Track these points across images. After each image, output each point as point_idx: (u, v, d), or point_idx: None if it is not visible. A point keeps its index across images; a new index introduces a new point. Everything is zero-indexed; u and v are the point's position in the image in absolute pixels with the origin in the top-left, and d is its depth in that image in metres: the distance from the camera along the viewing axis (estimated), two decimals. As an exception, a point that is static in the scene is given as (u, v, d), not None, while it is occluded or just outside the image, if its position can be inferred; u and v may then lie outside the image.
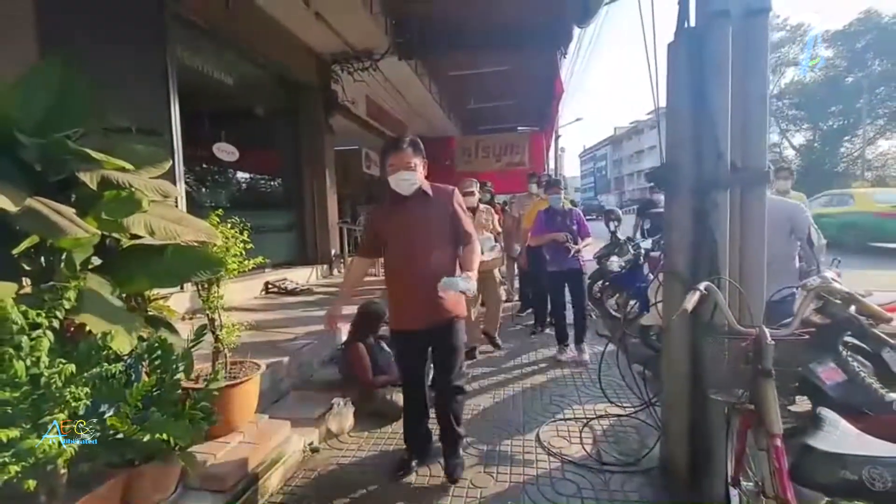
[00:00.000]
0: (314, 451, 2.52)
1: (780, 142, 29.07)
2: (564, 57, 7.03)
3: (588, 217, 4.55)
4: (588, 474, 2.23)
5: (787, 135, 28.31)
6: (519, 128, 12.71)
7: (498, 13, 5.97)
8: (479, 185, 4.48)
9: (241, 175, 6.30)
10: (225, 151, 5.56)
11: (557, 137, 11.44)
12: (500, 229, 4.36)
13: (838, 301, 1.73)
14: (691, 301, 1.42)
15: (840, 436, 1.01)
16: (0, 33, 2.75)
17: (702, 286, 1.47)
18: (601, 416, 2.79)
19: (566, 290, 4.11)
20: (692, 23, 1.93)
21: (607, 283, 5.47)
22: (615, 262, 4.99)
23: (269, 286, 5.61)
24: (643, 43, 2.20)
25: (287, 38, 6.05)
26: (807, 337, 1.49)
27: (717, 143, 1.77)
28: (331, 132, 7.27)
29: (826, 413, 1.10)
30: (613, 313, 5.23)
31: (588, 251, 4.23)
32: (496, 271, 4.25)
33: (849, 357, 2.12)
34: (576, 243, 3.92)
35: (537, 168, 11.61)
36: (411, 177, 2.11)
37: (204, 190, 5.69)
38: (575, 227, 4.01)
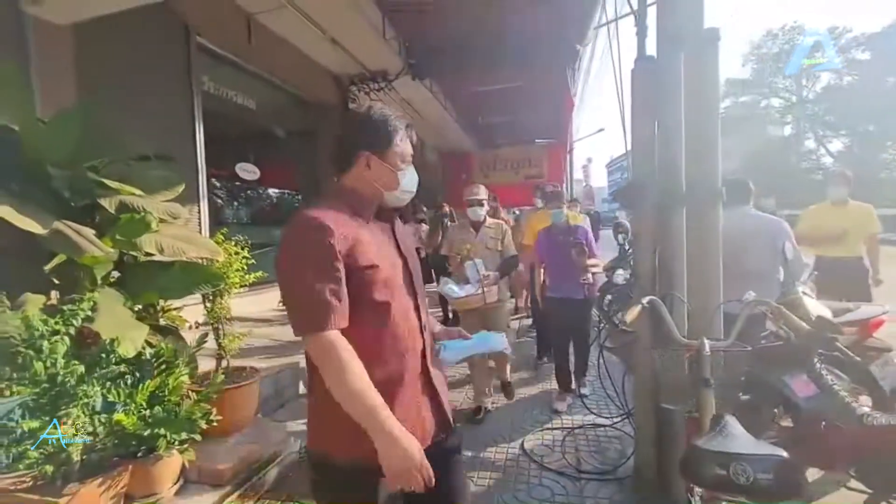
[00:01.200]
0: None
1: (817, 149, 28.02)
2: (574, 73, 7.14)
3: (607, 227, 4.17)
4: (564, 481, 2.31)
5: (824, 141, 27.26)
6: (536, 140, 12.81)
7: (505, 34, 6.16)
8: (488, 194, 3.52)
9: (262, 192, 6.66)
10: (247, 171, 5.93)
11: (570, 150, 11.45)
12: (513, 250, 3.37)
13: (769, 314, 1.77)
14: (631, 314, 1.52)
15: (725, 436, 1.10)
16: (46, 78, 3.09)
17: (645, 300, 1.57)
18: (587, 427, 2.86)
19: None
20: (654, 51, 2.05)
21: (616, 296, 5.49)
22: (620, 275, 5.01)
23: (287, 298, 5.89)
24: (613, 71, 2.32)
25: (305, 62, 6.41)
26: (749, 349, 1.56)
27: (673, 163, 1.87)
28: (348, 150, 7.58)
29: (727, 417, 1.18)
30: (621, 326, 5.24)
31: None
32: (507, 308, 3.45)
33: (823, 370, 2.14)
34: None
35: (556, 179, 11.67)
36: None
37: (227, 207, 6.05)
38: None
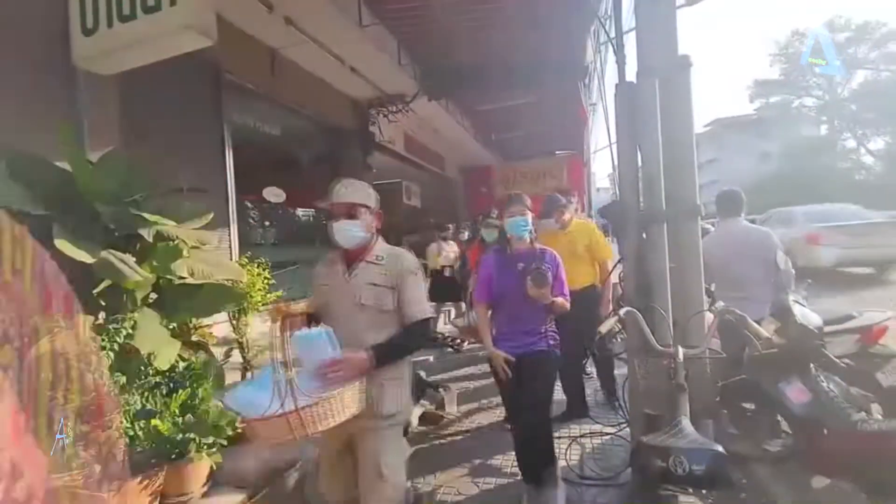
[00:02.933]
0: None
1: (857, 148, 26.83)
2: (586, 87, 7.26)
3: None
4: (566, 486, 2.40)
5: (864, 140, 26.08)
6: (557, 152, 12.90)
7: (514, 54, 6.39)
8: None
9: (288, 214, 7.02)
10: (273, 194, 6.29)
11: (588, 161, 11.48)
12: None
13: (732, 319, 1.83)
14: (606, 325, 1.64)
15: (674, 434, 1.19)
16: (95, 120, 3.46)
17: (621, 311, 1.69)
18: (591, 435, 2.94)
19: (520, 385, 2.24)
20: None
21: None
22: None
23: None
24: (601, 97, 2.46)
25: (326, 90, 6.79)
26: (724, 356, 1.64)
27: (652, 181, 1.99)
28: (369, 170, 7.92)
29: (682, 419, 1.27)
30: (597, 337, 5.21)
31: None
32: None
33: (820, 377, 2.17)
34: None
35: (577, 189, 11.67)
36: None
37: (257, 229, 6.40)
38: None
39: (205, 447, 2.11)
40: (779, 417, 2.45)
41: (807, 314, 2.17)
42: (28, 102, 2.86)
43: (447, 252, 7.10)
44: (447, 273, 6.90)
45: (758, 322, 2.52)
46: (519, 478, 2.38)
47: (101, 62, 3.11)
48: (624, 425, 2.89)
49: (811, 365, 2.19)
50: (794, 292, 2.35)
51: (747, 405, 2.59)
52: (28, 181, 2.33)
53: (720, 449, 1.11)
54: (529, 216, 2.33)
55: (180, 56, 3.57)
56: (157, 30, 2.88)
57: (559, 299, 2.16)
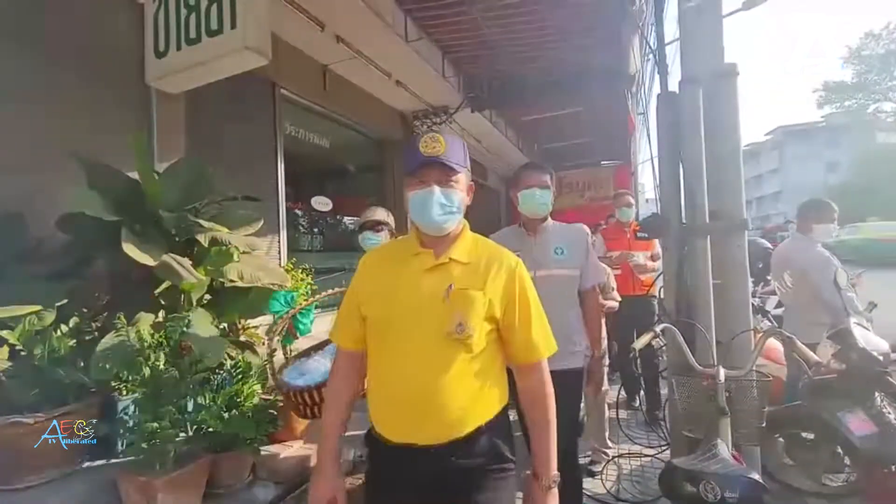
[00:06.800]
0: (364, 461, 2.94)
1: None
2: (633, 96, 7.08)
3: None
4: (601, 507, 2.33)
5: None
6: (603, 162, 12.61)
7: (559, 66, 6.34)
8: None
9: (334, 222, 7.26)
10: (321, 203, 6.55)
11: (634, 171, 11.10)
12: None
13: (783, 340, 1.71)
14: (641, 341, 1.59)
15: (708, 458, 1.13)
16: (164, 134, 3.77)
17: (658, 328, 1.63)
18: (630, 455, 2.83)
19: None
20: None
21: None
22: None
23: (354, 319, 6.31)
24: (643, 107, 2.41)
25: (373, 103, 7.02)
26: (770, 379, 1.54)
27: (694, 193, 1.93)
28: (413, 180, 8.07)
29: (718, 442, 1.21)
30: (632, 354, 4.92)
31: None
32: None
33: (885, 406, 1.99)
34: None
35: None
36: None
37: (306, 235, 6.66)
38: None
39: (248, 441, 2.23)
40: (839, 450, 2.27)
41: (870, 338, 2.01)
42: (107, 117, 3.16)
43: None
44: None
45: (812, 346, 2.37)
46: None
47: (170, 82, 3.39)
48: (665, 447, 2.77)
49: (875, 394, 2.02)
50: (858, 314, 2.17)
51: (806, 434, 2.41)
52: (102, 189, 2.58)
53: (757, 477, 1.04)
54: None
55: (240, 74, 3.83)
56: (220, 51, 3.11)
57: None
